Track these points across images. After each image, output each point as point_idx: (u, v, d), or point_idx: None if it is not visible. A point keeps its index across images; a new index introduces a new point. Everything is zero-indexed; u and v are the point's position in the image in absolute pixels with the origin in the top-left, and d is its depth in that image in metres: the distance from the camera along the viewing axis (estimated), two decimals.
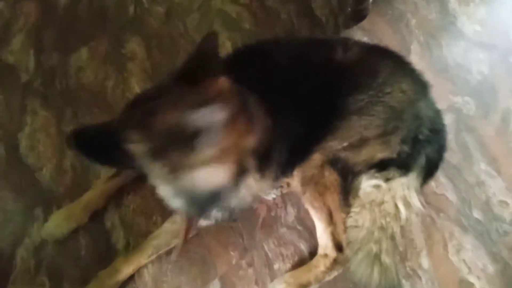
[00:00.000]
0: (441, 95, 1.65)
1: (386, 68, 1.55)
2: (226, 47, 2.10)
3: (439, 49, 2.09)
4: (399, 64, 1.61)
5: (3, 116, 1.96)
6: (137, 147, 1.09)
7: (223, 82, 1.17)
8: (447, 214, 1.73)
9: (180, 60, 1.93)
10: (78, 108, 1.97)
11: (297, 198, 1.76)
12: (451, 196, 1.77)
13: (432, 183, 1.75)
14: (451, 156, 1.79)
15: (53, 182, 1.80)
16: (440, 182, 1.79)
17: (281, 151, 1.41)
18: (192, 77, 1.12)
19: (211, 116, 1.02)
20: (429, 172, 1.57)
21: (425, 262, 1.65)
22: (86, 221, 1.67)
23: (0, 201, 1.76)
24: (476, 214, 1.72)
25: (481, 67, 2.04)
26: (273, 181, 1.47)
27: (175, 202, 1.35)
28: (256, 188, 1.37)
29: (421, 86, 1.58)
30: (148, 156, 1.10)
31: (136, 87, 2.01)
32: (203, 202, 1.34)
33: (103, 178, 1.73)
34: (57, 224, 1.65)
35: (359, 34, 2.13)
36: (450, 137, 1.75)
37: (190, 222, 1.49)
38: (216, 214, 1.43)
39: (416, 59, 2.01)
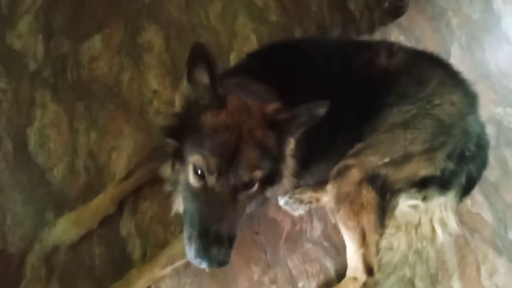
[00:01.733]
0: (482, 105, 1.59)
1: (436, 78, 1.51)
2: (251, 41, 2.02)
3: (482, 52, 2.02)
4: (449, 73, 1.56)
5: (11, 108, 1.88)
6: None
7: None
8: (482, 235, 1.71)
9: None
10: (91, 103, 1.90)
11: (324, 212, 1.74)
12: (487, 215, 1.74)
13: (467, 201, 1.73)
14: (489, 172, 1.75)
15: (65, 184, 1.75)
16: (476, 200, 1.76)
17: (300, 149, 1.39)
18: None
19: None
20: (466, 190, 1.54)
21: (456, 285, 1.64)
22: (95, 227, 1.64)
23: (9, 203, 1.71)
24: None
25: None
26: (294, 179, 1.45)
27: None
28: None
29: (471, 98, 1.54)
30: None
31: (154, 82, 1.94)
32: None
33: (115, 181, 1.68)
34: (65, 229, 1.61)
35: (396, 32, 2.05)
36: (489, 152, 1.68)
37: None
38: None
39: (456, 63, 1.89)
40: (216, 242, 1.08)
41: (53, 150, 1.81)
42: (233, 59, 2.00)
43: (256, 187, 1.17)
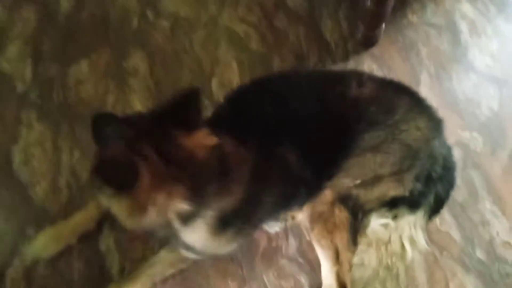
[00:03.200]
0: (449, 129, 1.70)
1: (403, 105, 1.59)
2: (232, 68, 2.16)
3: (449, 81, 2.17)
4: (415, 101, 1.65)
5: None
6: None
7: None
8: (450, 253, 1.79)
9: (184, 78, 2.06)
10: (75, 123, 2.01)
11: (299, 229, 1.82)
12: (455, 234, 1.83)
13: (436, 220, 1.82)
14: (457, 193, 1.85)
15: (47, 200, 1.84)
16: (445, 219, 1.85)
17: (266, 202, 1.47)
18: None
19: None
20: (435, 210, 1.63)
21: None
22: (75, 242, 1.71)
23: None
24: (479, 254, 1.79)
25: (491, 103, 2.12)
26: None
27: None
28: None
29: (436, 123, 1.63)
30: None
31: (138, 104, 2.06)
32: None
33: (96, 200, 1.73)
34: (44, 243, 1.68)
35: (369, 60, 2.21)
36: (456, 173, 1.78)
37: None
38: None
39: (426, 91, 2.08)
40: None
41: (37, 167, 1.91)
42: (215, 84, 2.13)
43: None
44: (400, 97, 1.64)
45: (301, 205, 1.64)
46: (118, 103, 2.08)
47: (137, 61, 2.20)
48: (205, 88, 2.09)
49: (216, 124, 1.45)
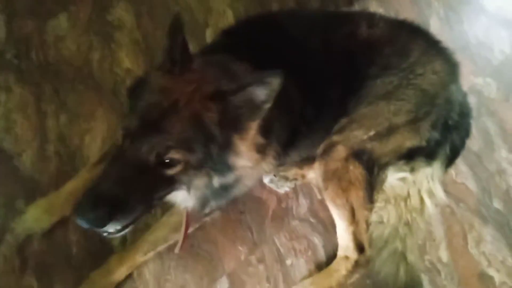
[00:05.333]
0: (462, 76, 1.62)
1: (418, 47, 1.52)
2: (227, 16, 2.02)
3: (460, 24, 2.08)
4: (430, 42, 1.57)
5: None
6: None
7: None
8: (467, 204, 1.76)
9: None
10: (59, 85, 1.86)
11: (310, 188, 1.76)
12: (471, 185, 1.80)
13: (452, 171, 1.77)
14: (472, 142, 1.80)
15: (35, 170, 1.71)
16: (460, 170, 1.81)
17: (283, 130, 1.39)
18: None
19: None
20: (450, 160, 1.57)
21: (444, 255, 1.68)
22: (69, 213, 1.59)
23: None
24: (497, 204, 1.76)
25: (503, 46, 2.05)
26: (275, 161, 1.44)
27: (188, 199, 1.32)
28: (257, 170, 1.35)
29: (453, 67, 1.55)
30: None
31: (126, 61, 1.91)
32: (215, 195, 1.32)
33: (88, 165, 1.65)
34: (36, 217, 1.57)
35: (374, 5, 2.09)
36: (472, 121, 1.72)
37: (190, 215, 1.46)
38: (216, 204, 1.41)
39: (436, 35, 1.96)
40: (96, 201, 1.01)
41: (20, 135, 1.76)
42: (209, 35, 1.99)
43: (178, 168, 1.09)
44: (414, 39, 1.56)
45: (305, 151, 1.58)
46: (105, 60, 1.92)
47: (122, 13, 2.03)
48: (199, 40, 1.94)
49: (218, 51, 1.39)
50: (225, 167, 1.19)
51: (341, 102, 1.51)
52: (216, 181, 1.22)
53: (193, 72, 1.15)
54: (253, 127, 1.19)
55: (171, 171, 1.09)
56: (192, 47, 1.26)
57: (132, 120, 1.07)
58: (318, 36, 1.51)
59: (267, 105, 1.11)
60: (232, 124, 1.14)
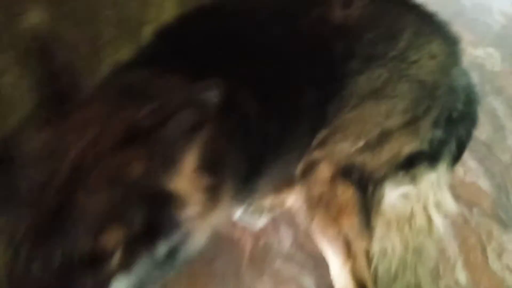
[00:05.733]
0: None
1: (408, 26, 1.27)
2: (166, 9, 1.67)
3: None
4: (422, 17, 1.33)
5: None
6: None
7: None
8: (482, 209, 1.55)
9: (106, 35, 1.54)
10: None
11: (291, 214, 1.49)
12: (484, 183, 1.58)
13: (459, 169, 1.54)
14: (478, 130, 1.56)
15: None
16: (468, 167, 1.59)
17: (239, 159, 1.13)
18: None
19: None
20: (457, 157, 1.36)
21: (462, 276, 1.46)
22: None
23: None
24: None
25: (503, 5, 1.77)
26: (236, 202, 1.20)
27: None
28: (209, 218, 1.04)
29: (452, 45, 1.31)
30: None
31: None
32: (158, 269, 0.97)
33: None
34: None
35: None
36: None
37: None
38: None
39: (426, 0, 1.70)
40: None
41: None
42: (149, 34, 1.62)
43: (116, 258, 0.76)
44: (402, 16, 1.31)
45: (280, 175, 1.34)
46: None
47: (35, 19, 1.62)
48: (135, 44, 1.58)
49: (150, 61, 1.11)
50: (169, 226, 0.87)
51: (317, 109, 1.25)
52: (162, 248, 0.88)
53: (90, 108, 0.85)
54: (190, 162, 0.89)
55: (108, 268, 0.75)
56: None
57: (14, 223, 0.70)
58: (280, 24, 1.24)
59: (203, 131, 0.85)
60: (164, 166, 0.84)
